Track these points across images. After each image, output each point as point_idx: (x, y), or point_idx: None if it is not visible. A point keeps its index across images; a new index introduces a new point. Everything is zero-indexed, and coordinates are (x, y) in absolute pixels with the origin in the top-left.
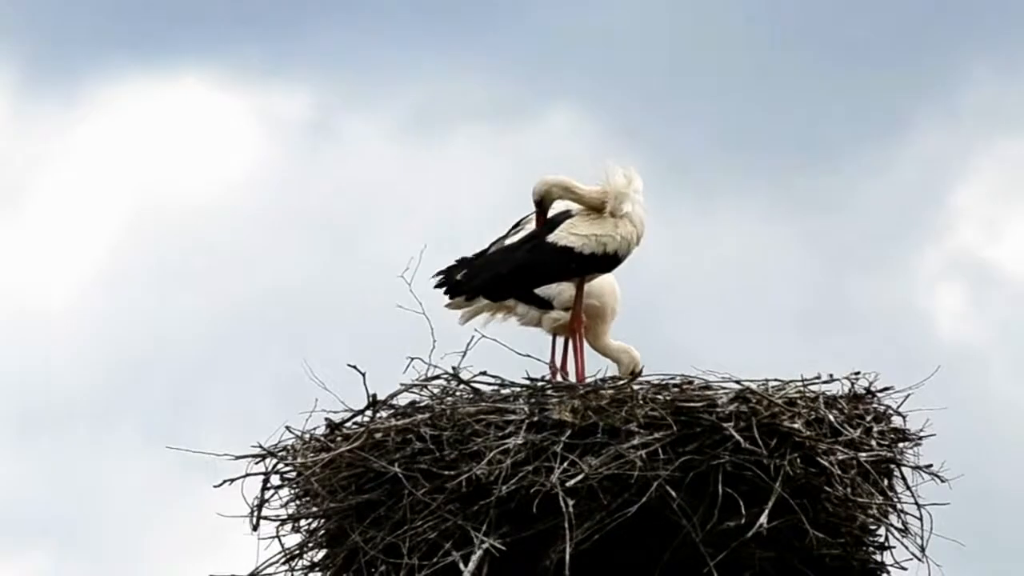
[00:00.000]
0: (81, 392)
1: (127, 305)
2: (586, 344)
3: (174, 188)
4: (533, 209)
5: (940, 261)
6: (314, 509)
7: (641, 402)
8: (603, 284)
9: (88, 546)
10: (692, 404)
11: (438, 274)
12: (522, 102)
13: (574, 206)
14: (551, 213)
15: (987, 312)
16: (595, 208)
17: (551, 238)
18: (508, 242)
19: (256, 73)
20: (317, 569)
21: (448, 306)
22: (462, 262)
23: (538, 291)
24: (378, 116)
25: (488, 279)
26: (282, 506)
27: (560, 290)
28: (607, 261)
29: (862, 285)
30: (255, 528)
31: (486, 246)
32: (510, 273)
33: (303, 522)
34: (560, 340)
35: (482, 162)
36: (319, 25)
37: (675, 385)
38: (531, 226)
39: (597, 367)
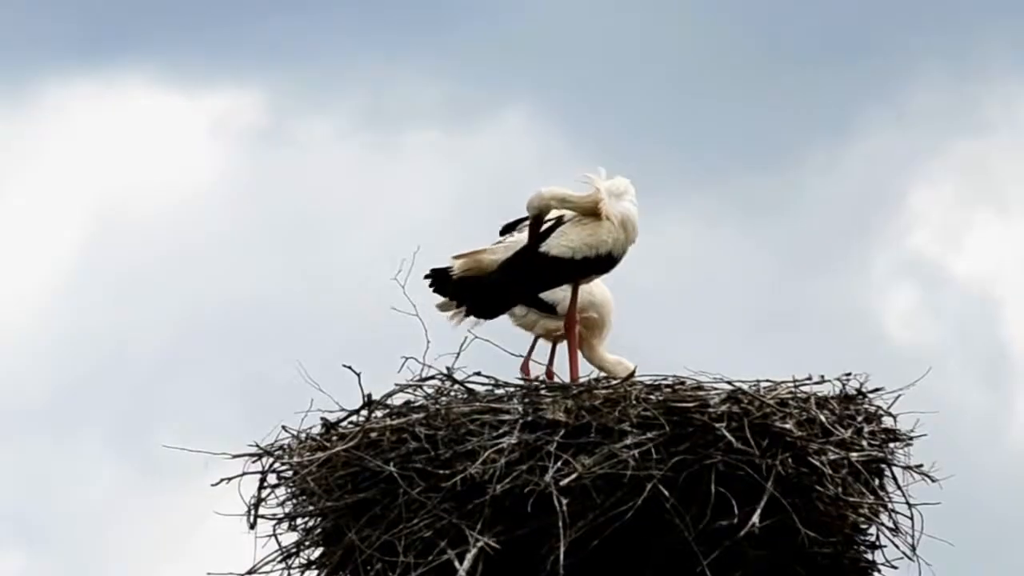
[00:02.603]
0: (58, 394)
1: (94, 308)
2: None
3: (132, 191)
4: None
5: (890, 262)
6: (310, 508)
7: (634, 402)
8: (604, 296)
9: (73, 549)
10: (684, 404)
11: (431, 273)
12: (475, 103)
13: (567, 212)
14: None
15: (938, 314)
16: (590, 213)
17: (543, 248)
18: (508, 240)
19: (204, 75)
20: (313, 567)
21: (439, 306)
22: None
23: (541, 295)
24: (330, 117)
25: (487, 300)
26: (279, 505)
27: (564, 296)
28: (603, 263)
29: (811, 286)
30: (252, 527)
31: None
32: (508, 291)
33: (300, 521)
34: (545, 344)
35: (436, 163)
36: (268, 26)
37: (667, 385)
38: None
39: (588, 368)
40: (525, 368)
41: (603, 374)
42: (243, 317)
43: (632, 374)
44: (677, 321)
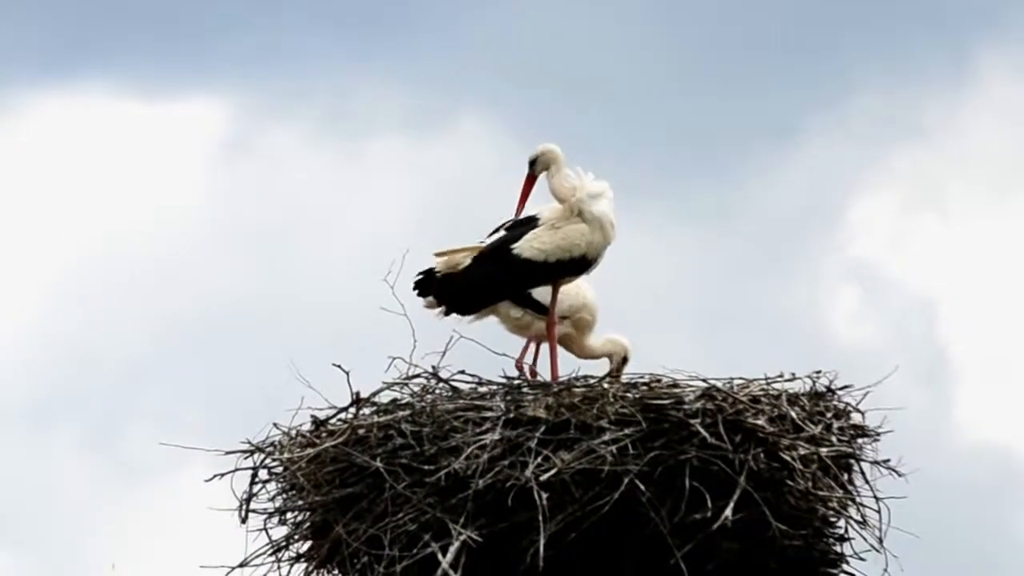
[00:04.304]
0: (38, 395)
1: (70, 314)
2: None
3: (103, 200)
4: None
5: (832, 266)
6: (300, 502)
7: (612, 399)
8: (593, 296)
9: (62, 547)
10: (660, 401)
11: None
12: (435, 111)
13: (544, 212)
14: (524, 214)
15: (880, 316)
16: (560, 199)
17: (516, 250)
18: (489, 240)
19: (169, 86)
20: (303, 560)
21: (427, 304)
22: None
23: (537, 297)
24: (293, 126)
25: (460, 297)
26: (269, 499)
27: (559, 299)
28: (577, 265)
29: (755, 291)
30: (243, 521)
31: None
32: (483, 291)
33: (289, 515)
34: (521, 339)
35: (401, 170)
36: (232, 38)
37: (644, 383)
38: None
39: (574, 366)
40: (520, 367)
41: (582, 373)
42: (223, 321)
43: (625, 360)
44: (623, 322)
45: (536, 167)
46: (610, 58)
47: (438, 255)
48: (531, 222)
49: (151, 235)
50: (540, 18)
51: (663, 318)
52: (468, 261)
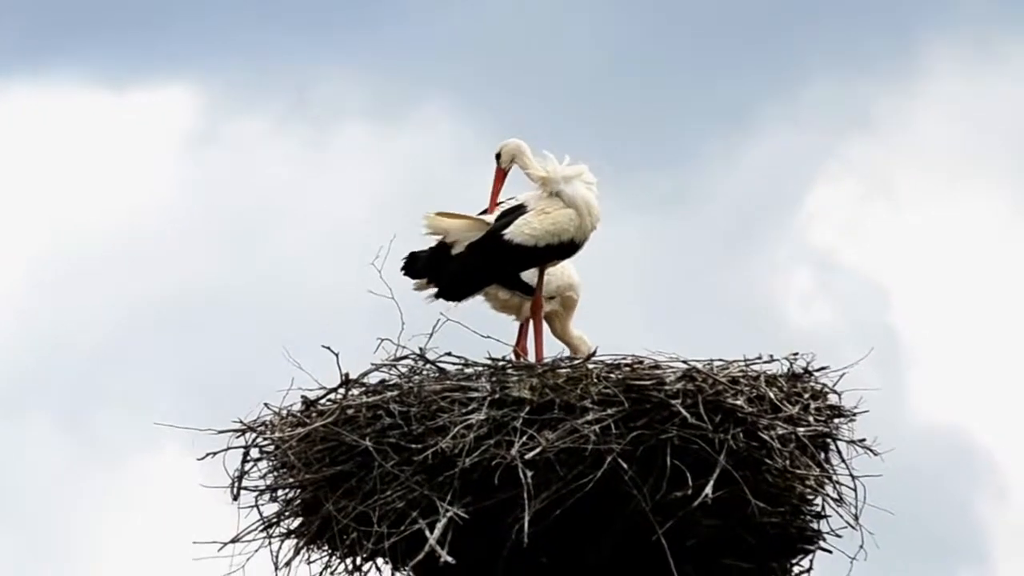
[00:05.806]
0: (15, 378)
1: (43, 304)
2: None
3: (76, 189)
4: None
5: (788, 254)
6: (290, 480)
7: (595, 380)
8: (577, 276)
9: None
10: (642, 382)
11: (406, 259)
12: (398, 97)
13: (529, 200)
14: (509, 204)
15: (833, 301)
16: (539, 183)
17: (507, 236)
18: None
19: (136, 75)
20: (293, 536)
21: (416, 286)
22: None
23: (526, 280)
24: (260, 115)
25: (451, 283)
26: (261, 477)
27: (547, 280)
28: (565, 249)
29: (711, 278)
30: (235, 498)
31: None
32: (474, 276)
33: (280, 492)
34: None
35: (365, 156)
36: (199, 25)
37: (626, 364)
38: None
39: (558, 349)
40: (518, 352)
41: (567, 353)
42: (195, 306)
43: (593, 354)
44: (581, 308)
45: (502, 161)
46: (567, 47)
47: (439, 214)
48: (519, 210)
49: (122, 223)
50: (499, 9)
51: (620, 304)
52: (458, 229)
